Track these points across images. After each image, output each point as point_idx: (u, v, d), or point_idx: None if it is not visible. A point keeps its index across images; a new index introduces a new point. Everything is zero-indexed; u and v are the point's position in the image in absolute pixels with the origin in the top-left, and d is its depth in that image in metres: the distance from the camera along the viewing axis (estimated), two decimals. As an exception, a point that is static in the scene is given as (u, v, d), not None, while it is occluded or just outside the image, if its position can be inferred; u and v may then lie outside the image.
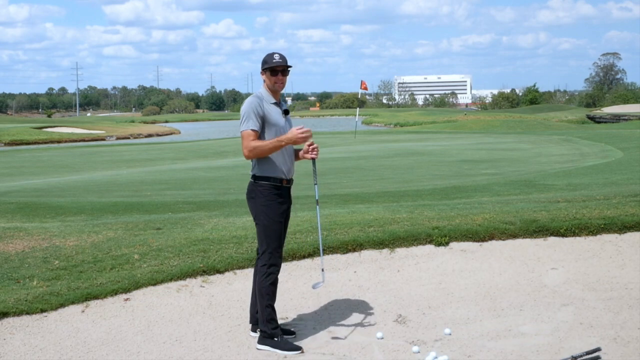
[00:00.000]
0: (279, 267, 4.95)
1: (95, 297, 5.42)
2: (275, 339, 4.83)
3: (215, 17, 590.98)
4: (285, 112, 4.95)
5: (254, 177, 4.88)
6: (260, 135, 4.78)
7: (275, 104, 4.90)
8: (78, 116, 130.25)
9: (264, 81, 4.92)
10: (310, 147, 4.96)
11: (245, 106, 4.80)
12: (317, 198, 5.27)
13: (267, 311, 4.87)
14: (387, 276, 6.21)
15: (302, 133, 4.74)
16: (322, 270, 5.25)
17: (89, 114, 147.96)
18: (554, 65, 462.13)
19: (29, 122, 77.86)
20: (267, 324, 4.86)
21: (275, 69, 4.86)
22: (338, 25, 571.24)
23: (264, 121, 4.79)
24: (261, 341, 4.87)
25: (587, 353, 4.39)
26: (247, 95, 5.13)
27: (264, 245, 4.88)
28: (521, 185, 12.74)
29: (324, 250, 6.36)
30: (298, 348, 4.79)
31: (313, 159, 5.01)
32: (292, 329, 5.13)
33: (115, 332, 5.09)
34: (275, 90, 4.91)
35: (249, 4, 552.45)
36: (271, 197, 4.84)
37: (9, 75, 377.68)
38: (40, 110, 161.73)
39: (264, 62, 4.88)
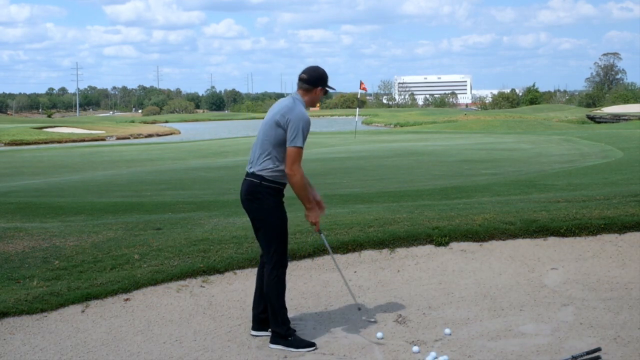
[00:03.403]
0: (287, 266, 4.99)
1: (95, 297, 5.41)
2: (290, 338, 4.85)
3: (216, 17, 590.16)
4: None
5: (260, 178, 4.85)
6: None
7: None
8: (78, 116, 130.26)
9: (308, 93, 4.87)
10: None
11: (303, 122, 4.72)
12: (322, 235, 5.24)
13: (282, 312, 4.91)
14: (387, 276, 6.21)
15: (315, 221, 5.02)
16: (359, 309, 5.39)
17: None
18: (554, 65, 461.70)
19: (29, 122, 77.96)
20: (282, 325, 4.88)
21: (326, 91, 4.99)
22: (338, 25, 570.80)
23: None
24: (274, 340, 4.89)
25: (587, 353, 4.39)
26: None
27: (273, 245, 4.88)
28: (521, 185, 12.73)
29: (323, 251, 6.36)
30: (312, 344, 4.81)
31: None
32: (293, 329, 5.14)
33: (115, 332, 5.08)
34: (310, 106, 4.99)
35: (250, 4, 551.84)
36: (278, 197, 4.91)
37: (9, 75, 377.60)
38: (40, 110, 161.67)
39: (323, 79, 4.89)
